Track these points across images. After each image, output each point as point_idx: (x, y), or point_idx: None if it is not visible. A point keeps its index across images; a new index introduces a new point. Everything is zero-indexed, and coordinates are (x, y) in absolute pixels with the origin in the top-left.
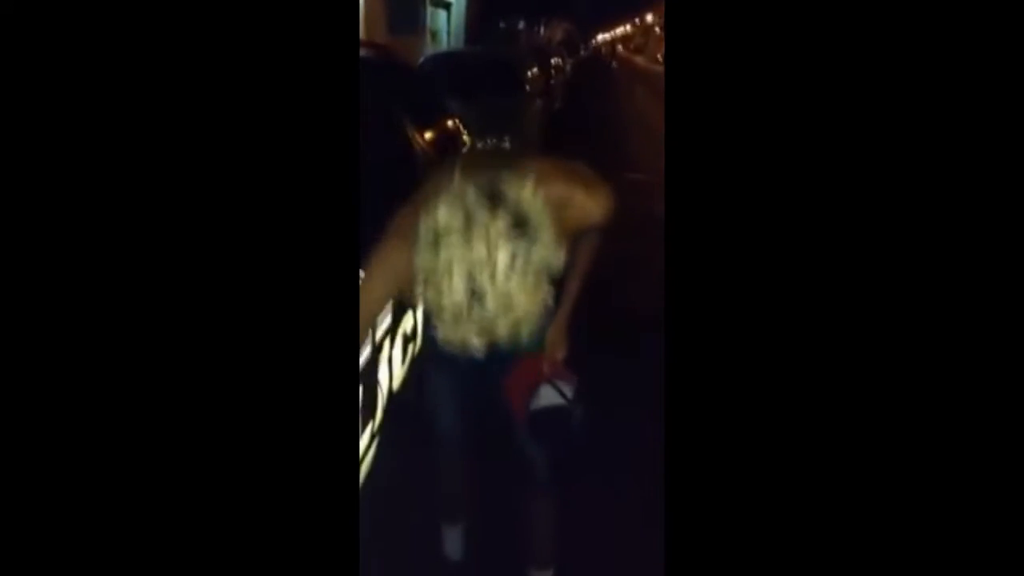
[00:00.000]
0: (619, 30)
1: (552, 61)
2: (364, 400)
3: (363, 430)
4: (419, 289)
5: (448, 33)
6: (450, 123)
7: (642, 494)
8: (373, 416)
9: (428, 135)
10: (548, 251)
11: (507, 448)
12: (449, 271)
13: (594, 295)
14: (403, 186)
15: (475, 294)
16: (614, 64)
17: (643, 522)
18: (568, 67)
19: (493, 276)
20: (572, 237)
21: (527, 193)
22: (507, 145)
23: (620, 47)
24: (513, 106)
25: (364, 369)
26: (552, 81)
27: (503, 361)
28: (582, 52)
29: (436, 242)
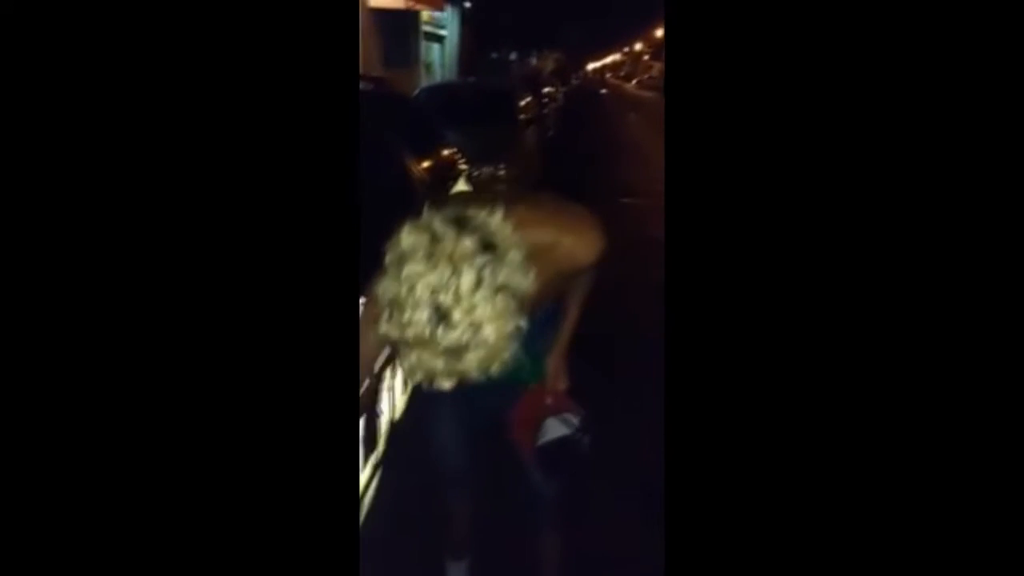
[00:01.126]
0: (609, 59)
1: (544, 90)
2: (365, 430)
3: (365, 461)
4: (383, 320)
5: (442, 65)
6: (446, 152)
7: (645, 516)
8: (375, 446)
9: (425, 164)
10: (516, 272)
11: (513, 482)
12: (412, 294)
13: (591, 321)
14: (400, 216)
15: (439, 318)
16: (604, 91)
17: (645, 547)
18: (560, 95)
19: (457, 298)
20: (563, 278)
21: (494, 217)
22: (502, 173)
23: (610, 75)
24: (507, 134)
25: (364, 399)
26: (545, 110)
27: (503, 394)
28: (573, 81)
29: (398, 266)
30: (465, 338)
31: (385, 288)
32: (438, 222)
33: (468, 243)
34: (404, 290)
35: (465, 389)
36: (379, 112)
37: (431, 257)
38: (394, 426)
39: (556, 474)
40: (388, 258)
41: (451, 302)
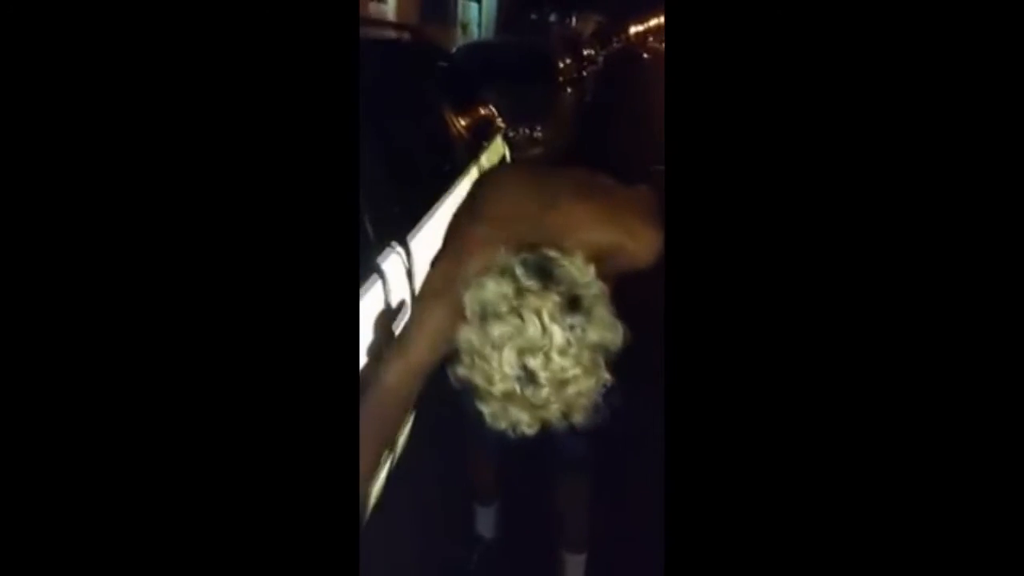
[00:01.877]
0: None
1: (584, 52)
2: None
3: None
4: (462, 367)
5: (480, 25)
6: (483, 110)
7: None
8: None
9: (464, 121)
10: (604, 330)
11: (535, 438)
12: (499, 352)
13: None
14: (436, 168)
15: (527, 375)
16: (646, 56)
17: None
18: (600, 58)
19: (548, 357)
20: (620, 275)
21: (576, 264)
22: (538, 134)
23: (652, 39)
24: (545, 96)
25: None
26: (584, 72)
27: None
28: (614, 44)
29: (484, 318)
30: (552, 396)
31: (469, 339)
32: (521, 272)
33: (555, 299)
34: (490, 347)
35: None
36: (417, 63)
37: (517, 312)
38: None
39: (578, 432)
40: (470, 305)
41: (541, 361)
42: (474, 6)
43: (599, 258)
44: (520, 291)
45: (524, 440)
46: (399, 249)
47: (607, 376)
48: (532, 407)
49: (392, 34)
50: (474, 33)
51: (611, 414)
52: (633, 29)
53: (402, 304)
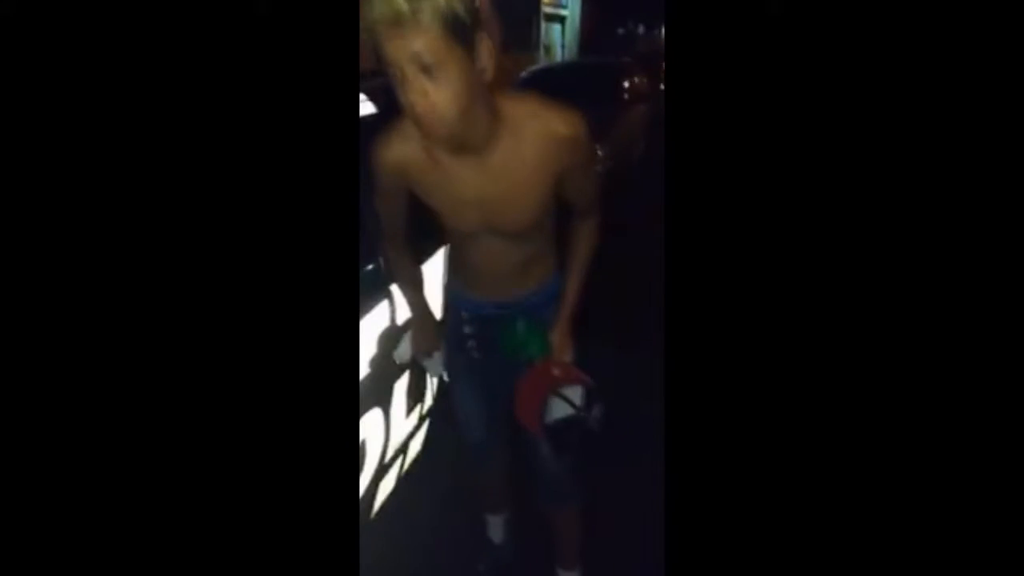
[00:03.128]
0: None
1: (663, 66)
2: (412, 383)
3: (411, 410)
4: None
5: (563, 46)
6: None
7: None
8: (422, 399)
9: None
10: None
11: (527, 457)
12: None
13: (594, 293)
14: None
15: None
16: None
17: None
18: None
19: None
20: (556, 162)
21: None
22: (599, 154)
23: None
24: (606, 116)
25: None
26: (663, 86)
27: (514, 370)
28: None
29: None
30: None
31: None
32: None
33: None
34: None
35: (479, 369)
36: None
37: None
38: (443, 382)
39: (565, 453)
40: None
41: None
42: (556, 27)
43: (521, 128)
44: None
45: (519, 459)
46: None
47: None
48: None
49: None
50: (557, 55)
51: (597, 427)
52: None
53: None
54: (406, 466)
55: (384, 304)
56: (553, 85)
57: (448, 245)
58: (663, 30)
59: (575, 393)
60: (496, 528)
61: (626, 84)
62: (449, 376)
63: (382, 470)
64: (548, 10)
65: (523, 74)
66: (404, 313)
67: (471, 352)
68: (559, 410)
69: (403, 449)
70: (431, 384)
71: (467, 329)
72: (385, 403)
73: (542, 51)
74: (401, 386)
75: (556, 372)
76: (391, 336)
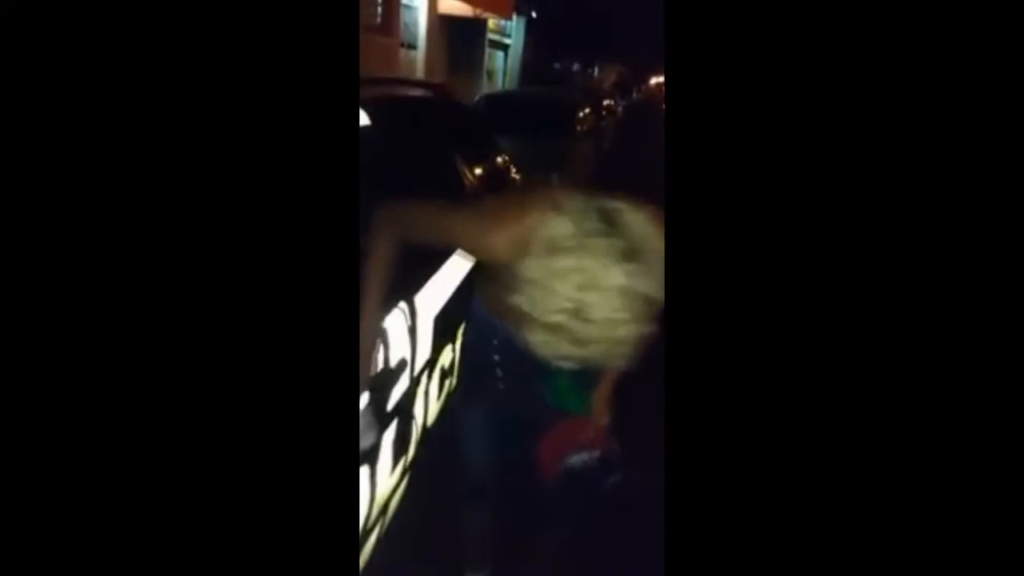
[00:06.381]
0: None
1: (604, 103)
2: (399, 433)
3: (396, 464)
4: (518, 295)
5: (504, 73)
6: (500, 160)
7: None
8: (406, 451)
9: (478, 171)
10: (657, 281)
11: (530, 504)
12: (558, 283)
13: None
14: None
15: (580, 311)
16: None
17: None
18: (620, 109)
19: (604, 296)
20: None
21: (641, 218)
22: (555, 182)
23: None
24: (562, 146)
25: (401, 404)
26: (603, 123)
27: (545, 416)
28: (634, 95)
29: (550, 251)
30: (599, 335)
31: (531, 269)
32: (586, 213)
33: (618, 244)
34: (551, 277)
35: (501, 401)
36: (436, 117)
37: (582, 249)
38: (426, 431)
39: (571, 504)
40: (538, 239)
41: (596, 301)
42: (500, 55)
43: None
44: (587, 231)
45: (521, 502)
46: (403, 306)
47: (648, 329)
48: (578, 342)
49: (413, 91)
50: (498, 80)
51: (609, 484)
52: (654, 80)
53: (402, 363)
54: (386, 524)
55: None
56: (511, 112)
57: (485, 270)
58: (596, 69)
59: (598, 457)
60: None
61: (580, 116)
62: (465, 403)
63: (364, 535)
64: (493, 36)
65: (478, 96)
66: (397, 353)
67: (497, 382)
68: (580, 459)
69: (384, 509)
70: (415, 431)
71: (496, 357)
72: (371, 458)
73: (485, 76)
74: (388, 437)
75: (590, 434)
76: (382, 378)
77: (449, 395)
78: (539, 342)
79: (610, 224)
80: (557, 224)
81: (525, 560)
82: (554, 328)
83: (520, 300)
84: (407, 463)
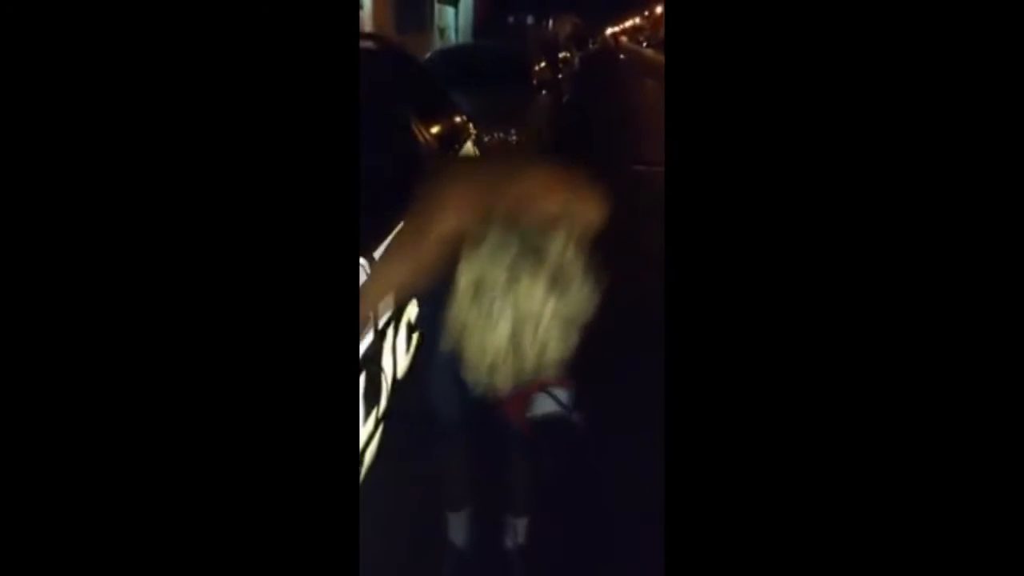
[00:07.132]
0: (628, 23)
1: (560, 55)
2: (368, 387)
3: (368, 416)
4: (451, 343)
5: (456, 30)
6: (456, 118)
7: (642, 504)
8: (378, 402)
9: (434, 130)
10: (582, 303)
11: (502, 450)
12: (493, 325)
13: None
14: (403, 183)
15: (516, 347)
16: (623, 56)
17: (643, 536)
18: (576, 60)
19: (536, 330)
20: (579, 242)
21: (565, 249)
22: (513, 138)
23: (628, 39)
24: (519, 100)
25: (367, 355)
26: (560, 75)
27: None
28: (590, 45)
29: (476, 296)
30: (534, 363)
31: (461, 314)
32: (513, 253)
33: (544, 273)
34: (483, 321)
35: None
36: (387, 75)
37: (508, 289)
38: (396, 383)
39: (546, 451)
40: (463, 283)
41: (529, 335)
42: (450, 11)
43: (551, 225)
44: (514, 269)
45: (489, 450)
46: (363, 263)
47: (576, 341)
48: (516, 373)
49: (362, 44)
50: (451, 38)
51: (578, 431)
52: (609, 30)
53: (364, 319)
54: (363, 475)
55: None
56: (464, 68)
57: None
58: (550, 22)
59: (563, 393)
60: (458, 528)
61: (535, 69)
62: (427, 357)
63: None
64: None
65: (430, 54)
66: None
67: None
68: (544, 406)
69: (360, 459)
70: (386, 383)
71: None
72: None
73: (436, 33)
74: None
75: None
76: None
77: (418, 348)
78: (479, 382)
79: (534, 252)
80: (482, 265)
81: (503, 496)
82: (492, 368)
83: (453, 347)
84: (380, 413)
